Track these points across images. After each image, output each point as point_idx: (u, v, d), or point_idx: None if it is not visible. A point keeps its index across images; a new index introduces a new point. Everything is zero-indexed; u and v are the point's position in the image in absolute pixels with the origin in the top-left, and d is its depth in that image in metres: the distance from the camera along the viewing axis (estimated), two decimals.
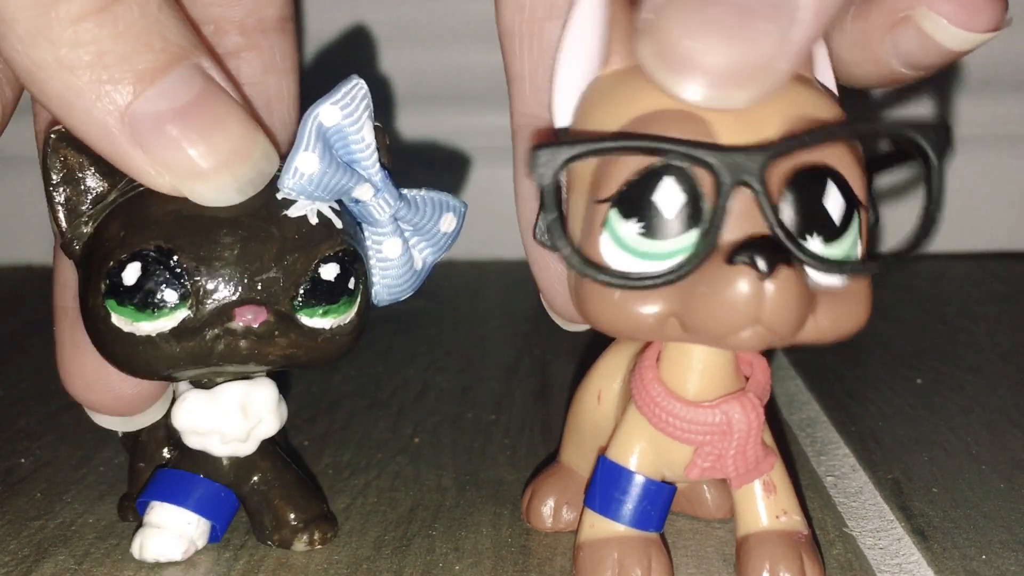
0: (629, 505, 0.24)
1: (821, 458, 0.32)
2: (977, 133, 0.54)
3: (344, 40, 0.54)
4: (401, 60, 0.54)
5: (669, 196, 0.20)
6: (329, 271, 0.24)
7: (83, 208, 0.24)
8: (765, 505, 0.24)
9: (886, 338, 0.43)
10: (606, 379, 0.26)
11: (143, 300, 0.23)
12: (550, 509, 0.27)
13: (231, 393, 0.25)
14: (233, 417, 0.25)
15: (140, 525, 0.26)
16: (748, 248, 0.20)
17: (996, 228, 0.56)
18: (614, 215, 0.21)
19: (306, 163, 0.23)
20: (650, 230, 0.21)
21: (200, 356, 0.23)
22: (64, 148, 0.24)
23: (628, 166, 0.21)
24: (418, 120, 0.55)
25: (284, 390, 0.26)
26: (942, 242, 0.56)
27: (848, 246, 0.21)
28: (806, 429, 0.34)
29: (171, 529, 0.26)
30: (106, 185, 0.24)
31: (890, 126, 0.21)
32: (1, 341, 0.45)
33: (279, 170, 0.23)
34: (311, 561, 0.26)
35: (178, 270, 0.23)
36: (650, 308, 0.21)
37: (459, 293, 0.51)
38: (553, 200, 0.20)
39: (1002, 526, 0.27)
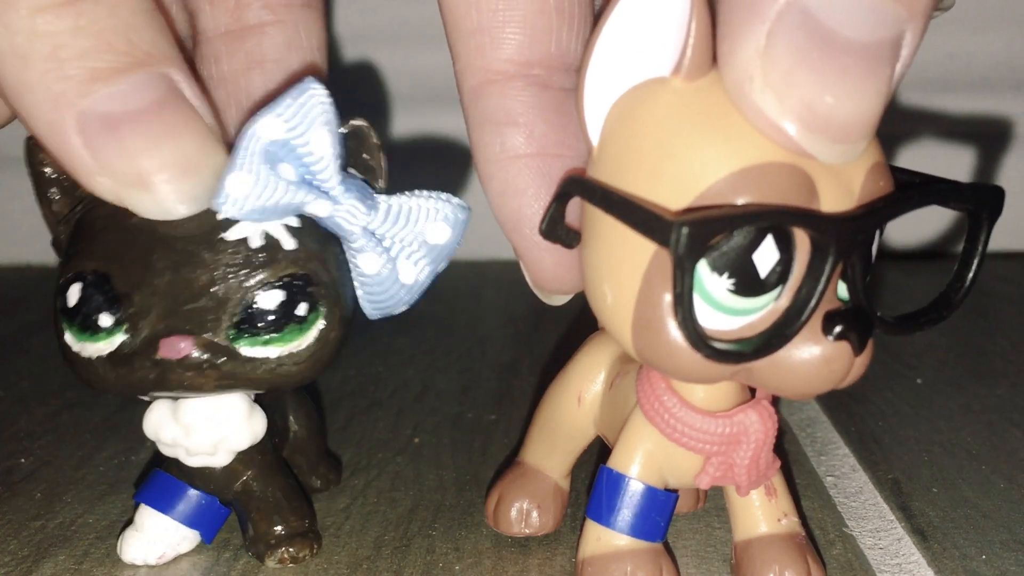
0: (636, 516, 0.23)
1: (821, 458, 0.32)
2: (976, 133, 0.54)
3: (349, 39, 0.54)
4: (401, 60, 0.54)
5: (767, 255, 0.20)
6: (271, 299, 0.22)
7: (62, 213, 0.24)
8: (767, 509, 0.24)
9: (886, 338, 0.43)
10: (586, 380, 0.26)
11: (83, 322, 0.22)
12: (518, 513, 0.26)
13: (193, 407, 0.24)
14: (196, 431, 0.25)
15: (128, 523, 0.26)
16: (846, 322, 0.19)
17: (996, 228, 0.56)
18: (703, 267, 0.19)
19: (236, 184, 0.21)
20: (741, 287, 0.20)
21: (133, 384, 0.23)
22: (42, 153, 0.23)
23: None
24: (418, 120, 0.55)
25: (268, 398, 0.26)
26: (942, 242, 0.56)
27: None
28: (806, 429, 0.34)
29: (149, 533, 0.26)
30: (78, 193, 0.24)
31: (960, 194, 0.21)
32: (1, 341, 0.45)
33: None
34: (311, 562, 0.26)
35: (112, 295, 0.22)
36: (729, 368, 0.20)
37: (459, 293, 0.51)
38: (688, 280, 0.19)
39: (1002, 526, 0.27)
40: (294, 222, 0.23)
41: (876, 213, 0.20)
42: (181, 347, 0.22)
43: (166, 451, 0.25)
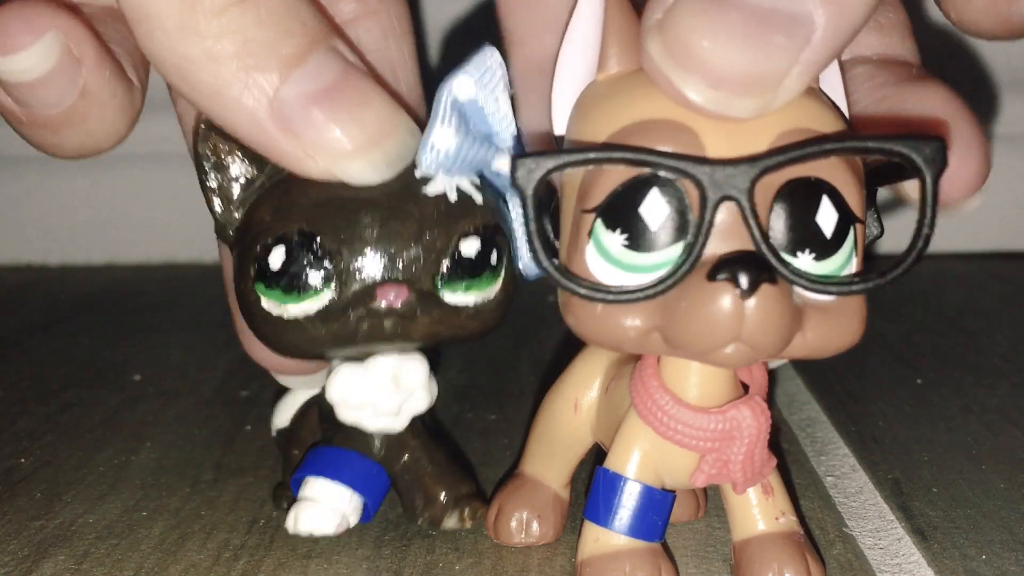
0: (634, 516, 0.23)
1: (821, 458, 0.32)
2: None
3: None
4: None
5: (655, 208, 0.20)
6: (470, 247, 0.24)
7: (233, 195, 0.25)
8: (764, 507, 0.24)
9: (886, 338, 0.43)
10: (582, 387, 0.26)
11: (289, 283, 0.23)
12: (518, 523, 0.26)
13: (383, 365, 0.25)
14: (385, 390, 0.25)
15: (294, 500, 0.26)
16: (730, 264, 0.19)
17: (996, 228, 0.56)
18: (599, 225, 0.20)
19: (442, 138, 0.23)
20: (635, 242, 0.20)
21: (345, 337, 0.24)
22: (214, 137, 0.24)
23: (615, 176, 0.20)
24: None
25: (436, 366, 0.27)
26: (942, 242, 0.56)
27: (841, 262, 0.21)
28: (806, 429, 0.34)
29: (325, 502, 0.26)
30: (253, 171, 0.24)
31: (883, 142, 0.20)
32: (1, 341, 0.45)
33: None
34: (311, 562, 0.26)
35: (321, 253, 0.23)
36: (632, 322, 0.21)
37: None
38: (534, 212, 0.20)
39: (1002, 526, 0.27)
40: (476, 179, 0.24)
41: (759, 159, 0.20)
42: (395, 295, 0.23)
43: (350, 415, 0.26)
